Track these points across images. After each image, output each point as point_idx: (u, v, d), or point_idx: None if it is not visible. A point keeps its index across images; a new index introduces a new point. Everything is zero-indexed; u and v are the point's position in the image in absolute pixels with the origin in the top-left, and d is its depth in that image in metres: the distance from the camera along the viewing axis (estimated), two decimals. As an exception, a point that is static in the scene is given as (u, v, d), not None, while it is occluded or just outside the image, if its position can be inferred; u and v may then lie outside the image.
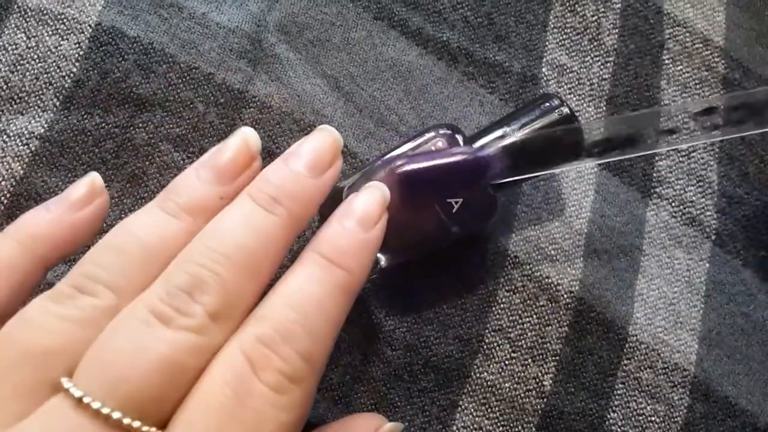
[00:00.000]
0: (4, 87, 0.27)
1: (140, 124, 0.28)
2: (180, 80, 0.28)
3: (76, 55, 0.28)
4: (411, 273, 0.29)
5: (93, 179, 0.22)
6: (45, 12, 0.28)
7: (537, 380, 0.28)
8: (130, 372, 0.17)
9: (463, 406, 0.28)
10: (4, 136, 0.27)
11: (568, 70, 0.32)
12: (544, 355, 0.29)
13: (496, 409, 0.28)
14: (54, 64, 0.28)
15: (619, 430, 0.28)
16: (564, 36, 0.33)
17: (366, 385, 0.27)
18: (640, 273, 0.30)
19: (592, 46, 0.33)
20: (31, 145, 0.27)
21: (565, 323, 0.29)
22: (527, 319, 0.29)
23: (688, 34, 0.33)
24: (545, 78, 0.32)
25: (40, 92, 0.27)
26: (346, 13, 0.31)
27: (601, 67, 0.33)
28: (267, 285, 0.20)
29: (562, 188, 0.31)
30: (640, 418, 0.29)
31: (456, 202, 0.25)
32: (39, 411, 0.17)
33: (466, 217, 0.25)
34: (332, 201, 0.26)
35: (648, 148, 0.24)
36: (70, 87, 0.28)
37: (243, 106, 0.29)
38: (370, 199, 0.22)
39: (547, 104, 0.27)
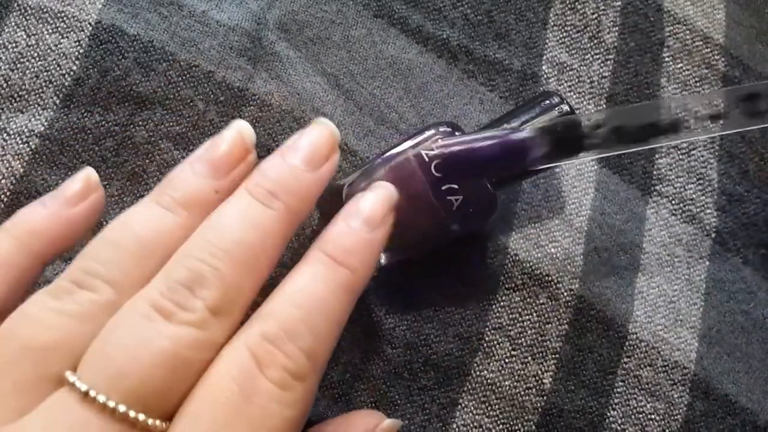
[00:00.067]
0: (4, 85, 0.27)
1: (140, 123, 0.28)
2: (180, 78, 0.28)
3: (76, 53, 0.28)
4: (411, 271, 0.29)
5: (88, 174, 0.22)
6: (45, 10, 0.28)
7: (537, 378, 0.28)
8: (133, 366, 0.17)
9: (463, 404, 0.28)
10: (4, 135, 0.27)
11: (568, 68, 0.32)
12: (544, 353, 0.29)
13: (496, 407, 0.28)
14: (54, 62, 0.28)
15: (618, 428, 0.28)
16: (564, 34, 0.33)
17: (366, 383, 0.27)
18: (640, 271, 0.30)
19: (592, 43, 0.33)
20: (31, 143, 0.27)
21: (565, 321, 0.29)
22: (527, 317, 0.29)
23: (688, 32, 0.33)
24: (545, 76, 0.32)
25: (40, 90, 0.27)
26: (346, 11, 0.31)
27: (602, 64, 0.33)
28: (266, 280, 0.20)
29: (562, 186, 0.31)
30: (640, 416, 0.29)
31: (456, 200, 0.25)
32: (41, 406, 0.17)
33: (466, 214, 0.25)
34: (332, 198, 0.26)
35: (689, 134, 0.24)
36: (70, 85, 0.28)
37: (243, 104, 0.29)
38: (377, 199, 0.22)
39: (548, 102, 0.27)
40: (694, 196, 0.32)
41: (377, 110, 0.30)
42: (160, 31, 0.29)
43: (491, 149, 0.24)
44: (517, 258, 0.29)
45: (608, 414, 0.29)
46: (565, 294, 0.29)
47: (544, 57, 0.32)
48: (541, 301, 0.29)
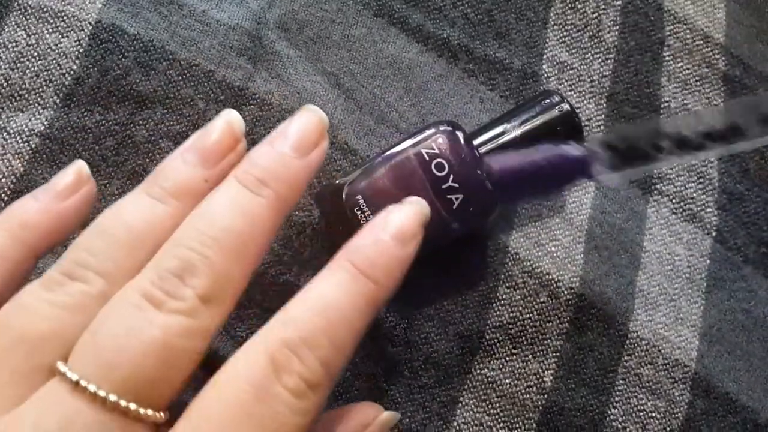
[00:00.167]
0: (5, 84, 0.27)
1: (140, 122, 0.28)
2: (180, 77, 0.28)
3: (76, 52, 0.28)
4: (411, 269, 0.28)
5: (80, 167, 0.22)
6: (45, 9, 0.28)
7: (537, 376, 0.28)
8: (124, 355, 0.17)
9: (463, 403, 0.28)
10: (5, 134, 0.27)
11: (568, 67, 0.32)
12: (545, 352, 0.29)
13: (497, 405, 0.28)
14: (54, 61, 0.28)
15: (619, 426, 0.28)
16: (564, 33, 0.33)
17: (367, 381, 0.27)
18: (640, 269, 0.30)
19: (592, 43, 0.33)
20: (31, 142, 0.27)
21: (565, 319, 0.29)
22: (528, 316, 0.29)
23: (688, 31, 0.33)
24: (546, 75, 0.32)
25: (41, 89, 0.27)
26: (346, 10, 0.31)
27: (602, 64, 0.33)
28: (256, 267, 0.20)
29: (563, 185, 0.31)
30: (641, 414, 0.29)
31: (456, 199, 0.25)
32: (35, 396, 0.17)
33: (466, 213, 0.25)
34: (332, 198, 0.26)
35: (748, 142, 0.23)
36: (71, 84, 0.28)
37: (243, 103, 0.29)
38: (409, 215, 0.22)
39: (548, 101, 0.27)
40: (694, 194, 0.32)
41: (377, 109, 0.30)
42: (160, 31, 0.29)
43: (550, 165, 0.24)
44: (518, 256, 0.29)
45: (609, 412, 0.29)
46: (566, 292, 0.29)
47: (545, 56, 0.32)
48: (542, 300, 0.29)
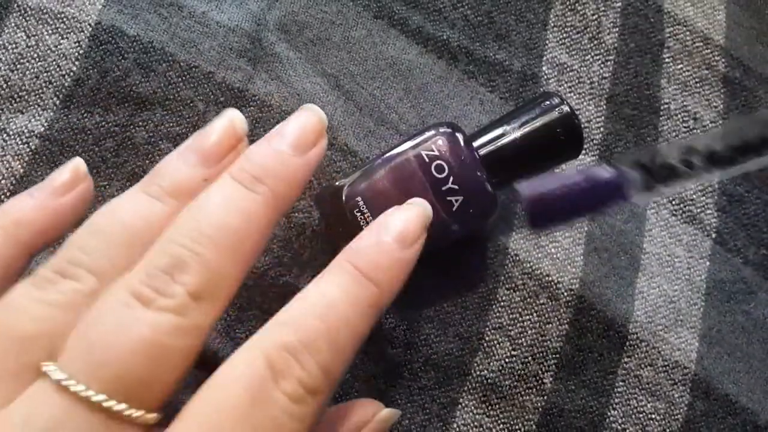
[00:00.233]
0: (4, 86, 0.27)
1: (140, 123, 0.28)
2: (180, 79, 0.28)
3: (76, 53, 0.28)
4: (411, 271, 0.28)
5: (76, 165, 0.21)
6: (45, 11, 0.28)
7: (537, 378, 0.28)
8: (112, 354, 0.17)
9: (463, 404, 0.28)
10: (4, 135, 0.27)
11: (568, 69, 0.32)
12: (545, 353, 0.29)
13: (497, 406, 0.28)
14: (54, 62, 0.28)
15: (619, 427, 0.28)
16: (564, 35, 0.33)
17: (366, 382, 0.27)
18: (640, 271, 0.30)
19: (592, 44, 0.33)
20: (31, 143, 0.27)
21: (565, 321, 0.29)
22: (527, 317, 0.29)
23: (688, 33, 0.33)
24: (545, 76, 0.32)
25: (40, 91, 0.27)
26: (346, 11, 0.31)
27: (602, 65, 0.33)
28: (252, 265, 0.20)
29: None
30: (641, 415, 0.29)
31: (456, 200, 0.25)
32: (24, 395, 0.17)
33: (466, 215, 0.25)
34: (332, 199, 0.26)
35: None
36: (70, 86, 0.28)
37: (243, 104, 0.29)
38: (412, 217, 0.21)
39: (548, 103, 0.27)
40: (694, 196, 0.32)
41: (377, 111, 0.30)
42: (160, 32, 0.29)
43: (584, 190, 0.23)
44: (518, 258, 0.29)
45: (609, 414, 0.29)
46: (566, 294, 0.29)
47: (545, 58, 0.32)
48: (542, 301, 0.29)
